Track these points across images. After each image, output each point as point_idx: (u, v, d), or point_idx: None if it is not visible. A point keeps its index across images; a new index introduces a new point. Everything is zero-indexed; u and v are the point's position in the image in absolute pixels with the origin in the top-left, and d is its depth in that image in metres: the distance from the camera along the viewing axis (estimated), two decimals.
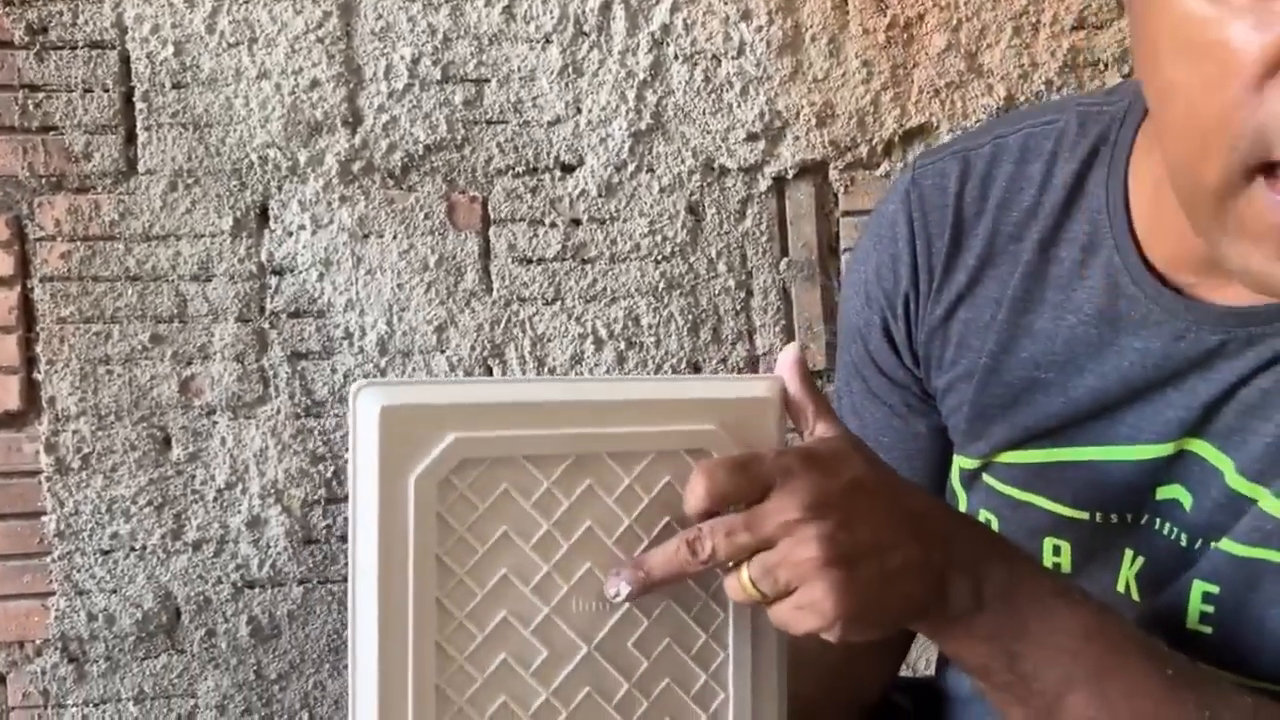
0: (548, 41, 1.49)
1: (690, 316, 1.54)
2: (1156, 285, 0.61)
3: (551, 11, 1.48)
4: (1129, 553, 0.65)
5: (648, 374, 1.54)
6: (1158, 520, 0.64)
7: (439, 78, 1.48)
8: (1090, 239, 0.64)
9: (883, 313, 0.72)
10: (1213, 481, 0.61)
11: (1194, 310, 0.60)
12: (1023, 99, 1.56)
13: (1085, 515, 0.65)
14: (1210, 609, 0.61)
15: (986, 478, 0.69)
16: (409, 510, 0.50)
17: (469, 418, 0.52)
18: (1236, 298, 0.59)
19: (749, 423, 0.55)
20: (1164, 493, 0.63)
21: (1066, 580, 0.59)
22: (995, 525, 0.69)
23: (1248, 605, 0.60)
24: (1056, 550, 0.67)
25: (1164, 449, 0.62)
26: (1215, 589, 0.61)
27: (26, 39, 1.42)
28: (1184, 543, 0.63)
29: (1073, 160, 0.65)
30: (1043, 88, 1.56)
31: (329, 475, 1.50)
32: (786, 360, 0.56)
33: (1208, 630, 0.62)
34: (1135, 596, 0.65)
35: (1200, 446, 0.61)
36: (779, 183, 1.55)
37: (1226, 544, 0.60)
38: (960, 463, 0.71)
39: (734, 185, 1.54)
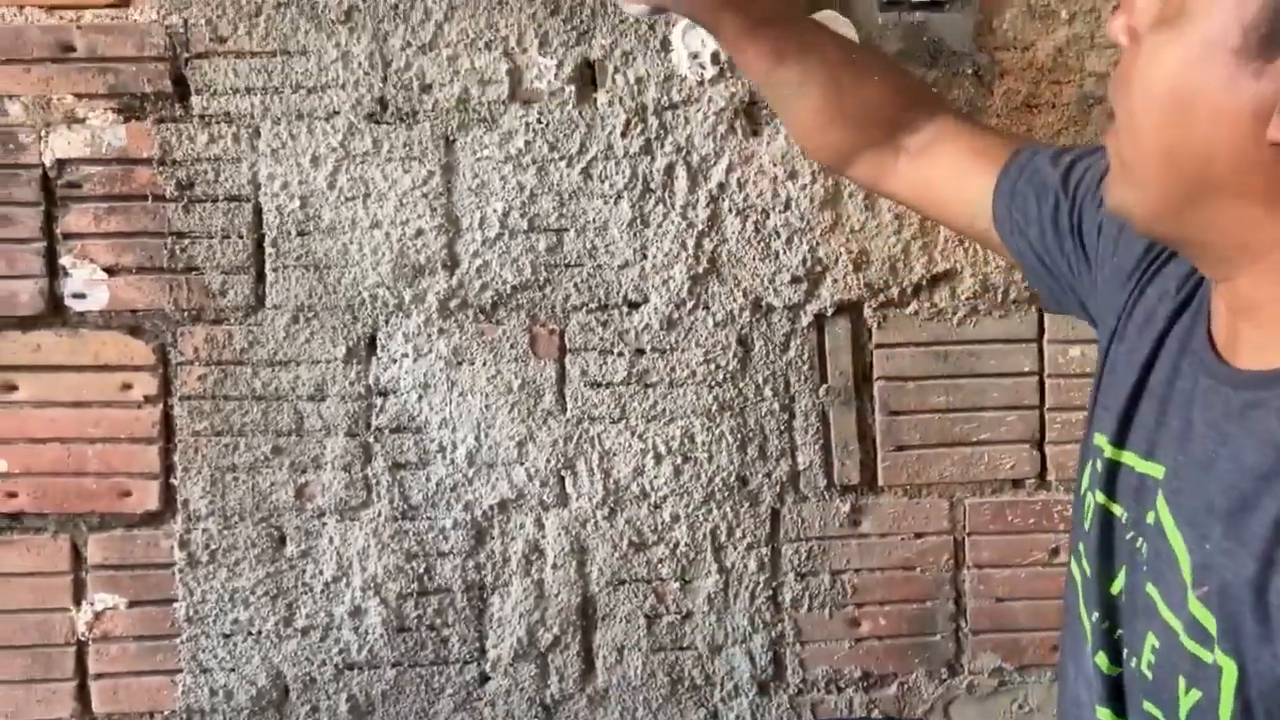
0: (619, 197, 1.71)
1: (739, 435, 1.75)
2: (1205, 341, 0.76)
3: (623, 172, 1.71)
4: (1122, 567, 0.79)
5: (702, 489, 1.74)
6: (1140, 539, 0.77)
7: (526, 228, 1.71)
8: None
9: (1114, 234, 0.89)
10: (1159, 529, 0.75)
11: (1217, 368, 0.74)
12: None
13: (1120, 511, 0.80)
14: (1153, 658, 0.75)
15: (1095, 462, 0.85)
16: None
17: None
18: (1244, 363, 0.73)
19: None
20: (1150, 516, 0.76)
21: None
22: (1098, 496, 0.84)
23: (1167, 673, 0.73)
24: (1078, 555, 0.84)
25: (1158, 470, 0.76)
26: (1157, 643, 0.74)
27: (176, 194, 1.66)
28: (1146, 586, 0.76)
29: None
30: None
31: (420, 571, 1.71)
32: None
33: (1149, 676, 0.75)
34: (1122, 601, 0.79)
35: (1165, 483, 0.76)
36: (819, 319, 1.76)
37: (1163, 610, 0.73)
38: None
39: (779, 321, 1.75)
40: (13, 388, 1.65)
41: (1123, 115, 0.72)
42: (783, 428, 1.76)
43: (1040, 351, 1.78)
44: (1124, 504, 0.80)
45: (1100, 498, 0.83)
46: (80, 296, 1.65)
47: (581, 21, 1.68)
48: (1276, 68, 0.63)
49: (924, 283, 1.76)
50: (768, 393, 1.75)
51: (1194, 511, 0.71)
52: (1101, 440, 0.84)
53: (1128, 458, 0.81)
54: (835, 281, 1.75)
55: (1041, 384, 1.78)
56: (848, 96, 1.04)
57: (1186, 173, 0.68)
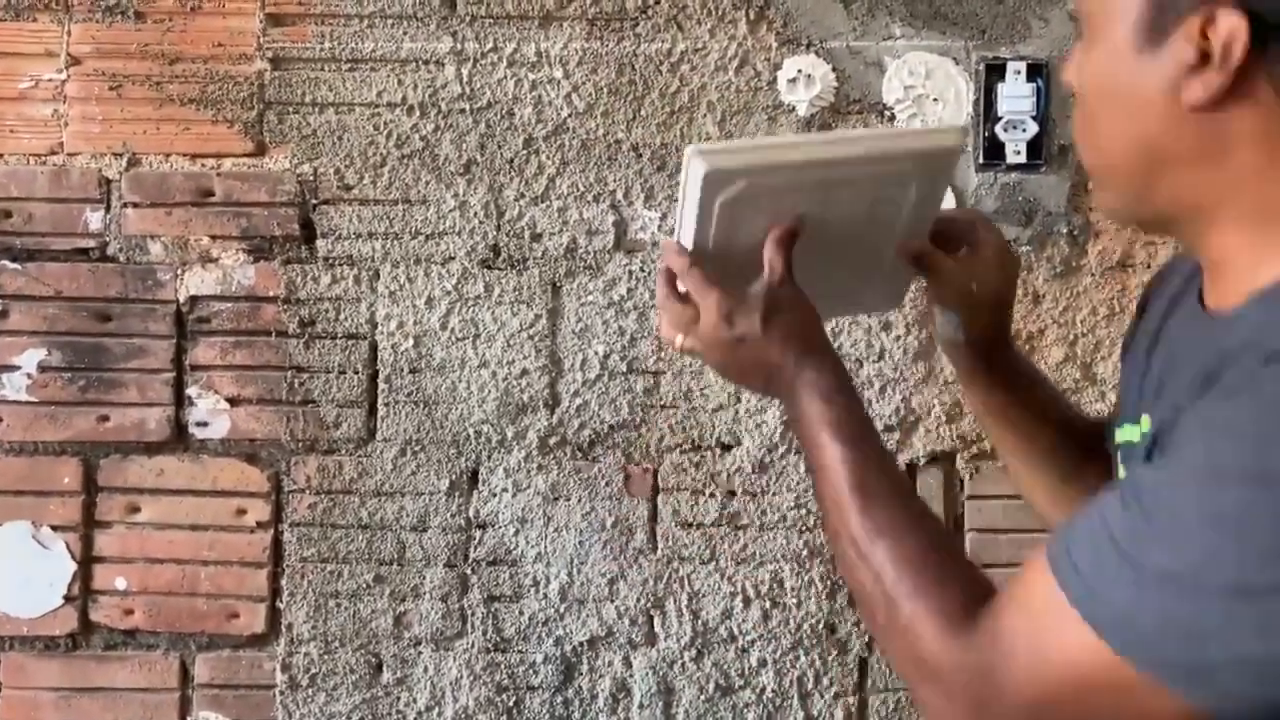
0: None
1: (829, 582, 1.76)
2: (1195, 302, 0.82)
3: None
4: None
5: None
6: None
7: (625, 370, 1.77)
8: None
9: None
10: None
11: (1197, 314, 0.81)
12: None
13: None
14: None
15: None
16: (715, 212, 0.88)
17: (759, 174, 0.88)
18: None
19: (933, 162, 0.91)
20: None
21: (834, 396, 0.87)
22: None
23: None
24: None
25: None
26: None
27: (298, 330, 1.76)
28: None
29: None
30: None
31: (510, 704, 1.75)
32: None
33: None
34: None
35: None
36: (911, 468, 1.78)
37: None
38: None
39: None
40: (136, 509, 1.75)
41: (1078, 136, 0.83)
42: None
43: None
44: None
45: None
46: (203, 425, 1.75)
47: None
48: (1166, 47, 0.74)
49: None
50: None
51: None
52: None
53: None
54: (928, 432, 1.77)
55: None
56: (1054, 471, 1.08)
57: (1136, 160, 0.78)
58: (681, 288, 0.92)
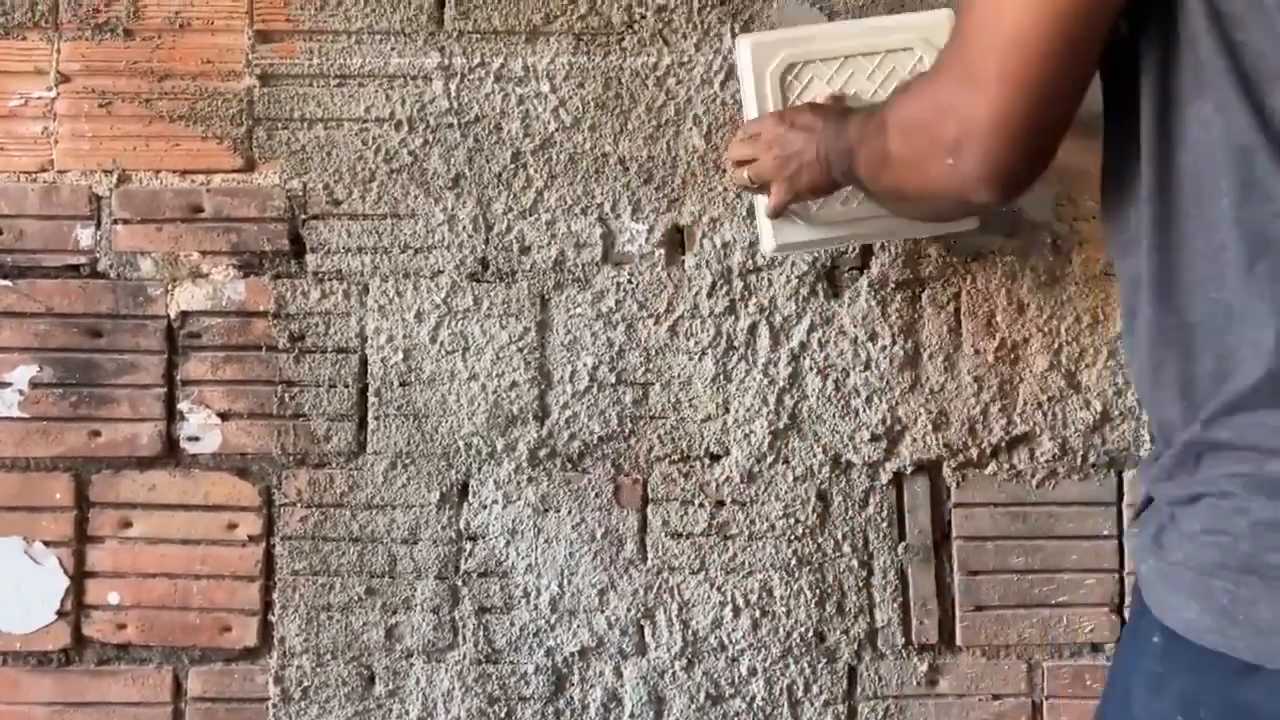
0: (704, 354, 1.78)
1: (818, 591, 1.77)
2: None
3: (708, 330, 1.78)
4: None
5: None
6: None
7: (613, 381, 1.78)
8: None
9: None
10: None
11: None
12: (1117, 413, 1.78)
13: None
14: None
15: None
16: (767, 82, 1.46)
17: (794, 45, 1.42)
18: None
19: (927, 31, 1.41)
20: None
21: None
22: None
23: None
24: None
25: None
26: None
27: (288, 345, 1.77)
28: None
29: None
30: (1135, 404, 1.78)
31: (501, 716, 1.75)
32: None
33: None
34: None
35: None
36: (898, 477, 1.79)
37: None
38: None
39: (858, 478, 1.79)
40: (128, 524, 1.75)
41: None
42: (861, 584, 1.78)
43: (1119, 515, 1.79)
44: None
45: None
46: (195, 439, 1.76)
47: (673, 190, 1.78)
48: None
49: (1003, 444, 1.79)
50: (846, 549, 1.78)
51: None
52: None
53: None
54: (914, 441, 1.78)
55: (1121, 547, 1.78)
56: None
57: None
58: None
